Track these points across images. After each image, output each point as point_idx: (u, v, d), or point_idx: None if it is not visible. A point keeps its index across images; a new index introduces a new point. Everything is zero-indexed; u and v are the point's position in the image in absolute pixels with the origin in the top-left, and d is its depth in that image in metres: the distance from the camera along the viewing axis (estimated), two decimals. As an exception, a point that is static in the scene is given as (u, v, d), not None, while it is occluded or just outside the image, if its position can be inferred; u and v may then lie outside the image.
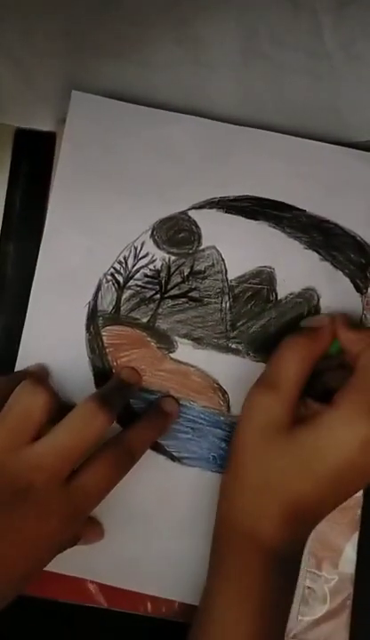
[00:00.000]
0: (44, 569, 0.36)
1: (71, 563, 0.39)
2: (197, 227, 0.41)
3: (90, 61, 0.42)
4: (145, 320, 0.41)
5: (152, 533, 0.40)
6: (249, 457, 0.36)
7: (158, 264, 0.41)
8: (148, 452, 0.40)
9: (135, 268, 0.41)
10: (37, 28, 0.42)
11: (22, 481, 0.34)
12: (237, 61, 0.42)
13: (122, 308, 0.41)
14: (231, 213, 0.41)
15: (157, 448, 0.40)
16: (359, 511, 0.40)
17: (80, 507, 0.35)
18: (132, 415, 0.40)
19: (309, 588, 0.40)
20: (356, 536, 0.40)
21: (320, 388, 0.37)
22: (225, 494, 0.37)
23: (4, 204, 0.42)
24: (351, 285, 0.41)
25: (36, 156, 0.42)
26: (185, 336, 0.41)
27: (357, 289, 0.41)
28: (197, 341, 0.41)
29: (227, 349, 0.41)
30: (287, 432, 0.35)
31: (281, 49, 0.42)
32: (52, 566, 0.39)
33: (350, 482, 0.35)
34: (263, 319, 0.41)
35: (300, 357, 0.36)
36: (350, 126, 0.42)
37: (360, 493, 0.40)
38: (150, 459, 0.40)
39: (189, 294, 0.41)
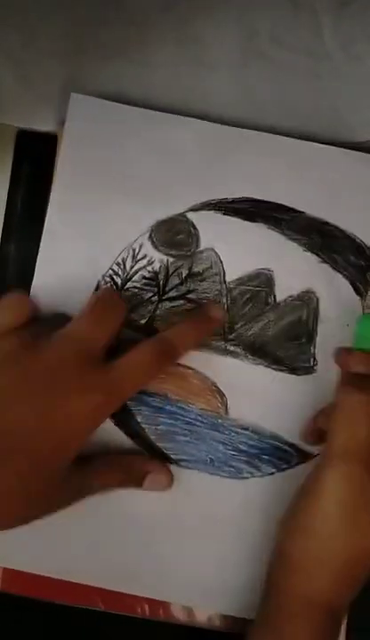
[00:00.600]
0: (43, 575, 0.37)
1: (69, 567, 0.40)
2: (195, 228, 0.41)
3: (90, 62, 0.42)
4: (143, 322, 0.41)
5: (149, 536, 0.40)
6: (336, 532, 0.35)
7: (156, 266, 0.41)
8: (146, 453, 0.40)
9: (133, 269, 0.41)
10: (38, 28, 0.42)
11: (56, 359, 0.35)
12: (237, 61, 0.42)
13: (120, 310, 0.41)
14: (229, 215, 0.41)
15: (155, 450, 0.40)
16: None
17: (118, 385, 0.36)
18: (127, 415, 0.40)
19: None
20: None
21: None
22: (295, 567, 0.35)
23: (5, 204, 0.42)
24: (351, 288, 0.41)
25: (37, 157, 0.42)
26: (183, 338, 0.41)
27: (357, 292, 0.41)
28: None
29: (225, 352, 0.41)
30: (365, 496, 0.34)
31: (281, 49, 0.41)
32: (49, 572, 0.40)
33: None
34: (262, 322, 0.41)
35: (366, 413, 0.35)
36: (350, 126, 0.42)
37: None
38: (148, 461, 0.40)
39: (187, 296, 0.41)
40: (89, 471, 0.38)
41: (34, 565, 0.40)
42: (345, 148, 0.42)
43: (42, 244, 0.41)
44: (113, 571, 0.40)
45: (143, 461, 0.40)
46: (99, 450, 0.40)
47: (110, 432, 0.40)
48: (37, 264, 0.41)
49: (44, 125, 0.42)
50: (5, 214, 0.41)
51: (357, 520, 0.34)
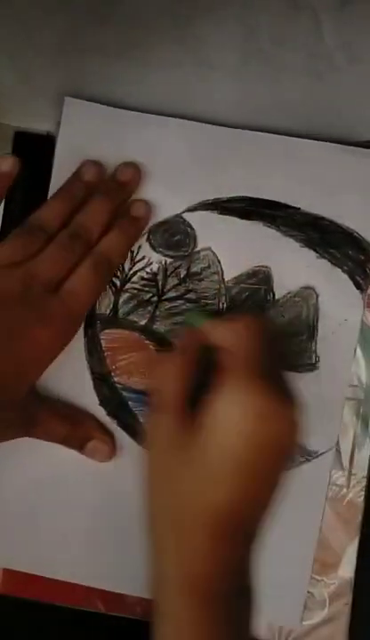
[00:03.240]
0: (42, 575, 0.38)
1: (69, 569, 0.40)
2: (191, 229, 0.41)
3: (90, 61, 0.42)
4: (143, 322, 0.41)
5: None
6: (159, 484, 0.34)
7: (155, 267, 0.41)
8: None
9: (132, 271, 0.41)
10: (37, 28, 0.43)
11: (18, 290, 0.37)
12: (237, 61, 0.42)
13: (119, 311, 0.41)
14: (225, 214, 0.41)
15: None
16: (360, 516, 0.39)
17: (74, 309, 0.38)
18: (124, 407, 0.41)
19: (308, 592, 0.39)
20: (356, 541, 0.39)
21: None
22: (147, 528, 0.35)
23: (3, 205, 0.43)
24: (351, 282, 0.41)
25: (35, 158, 0.42)
26: (183, 338, 0.41)
27: (357, 286, 0.40)
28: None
29: (225, 350, 0.41)
30: (184, 443, 0.33)
31: (281, 49, 0.41)
32: (49, 573, 0.40)
33: (263, 467, 0.33)
34: (261, 319, 0.41)
35: (173, 372, 0.35)
36: (350, 126, 0.42)
37: (361, 498, 0.39)
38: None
39: (186, 296, 0.41)
40: (41, 410, 0.39)
41: (34, 566, 0.40)
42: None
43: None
44: (114, 572, 0.40)
45: (91, 425, 0.40)
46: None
47: (113, 432, 0.41)
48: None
49: (42, 125, 0.43)
50: (3, 215, 0.42)
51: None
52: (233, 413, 0.32)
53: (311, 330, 0.41)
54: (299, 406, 0.33)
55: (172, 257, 0.41)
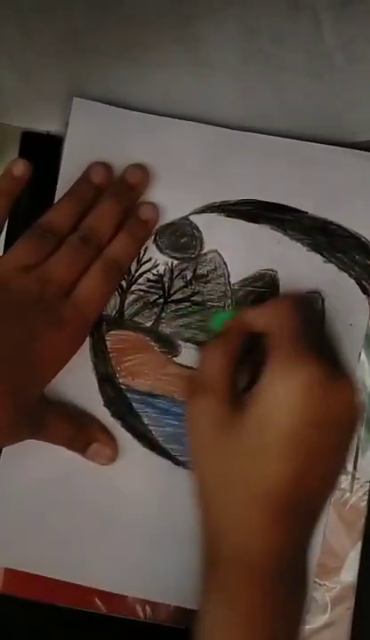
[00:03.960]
0: (44, 575, 0.38)
1: (71, 569, 0.40)
2: (198, 231, 0.41)
3: (91, 62, 0.42)
4: (149, 324, 0.41)
5: (154, 538, 0.40)
6: (209, 466, 0.35)
7: (161, 269, 0.41)
8: (152, 455, 0.41)
9: (138, 272, 0.41)
10: (38, 28, 0.43)
11: (33, 294, 0.37)
12: (237, 61, 0.42)
13: (125, 313, 0.41)
14: (232, 217, 0.41)
15: (161, 451, 0.41)
16: (363, 520, 0.39)
17: (86, 314, 0.39)
18: (129, 409, 0.41)
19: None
20: (359, 545, 0.39)
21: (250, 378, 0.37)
22: (200, 510, 0.36)
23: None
24: (357, 287, 0.41)
25: (42, 159, 0.42)
26: (189, 340, 0.41)
27: (364, 291, 0.41)
28: (201, 345, 0.41)
29: (231, 353, 0.41)
30: (233, 426, 0.34)
31: (281, 49, 0.41)
32: (51, 573, 0.40)
33: (319, 442, 0.33)
34: (267, 323, 0.41)
35: (219, 354, 0.36)
36: (350, 126, 0.42)
37: (365, 502, 0.40)
38: (154, 462, 0.41)
39: (192, 298, 0.41)
40: (47, 412, 0.39)
41: (35, 566, 0.40)
42: (345, 147, 0.41)
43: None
44: (115, 573, 0.40)
45: (94, 428, 0.40)
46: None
47: (117, 433, 0.41)
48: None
49: (48, 126, 0.43)
50: (10, 216, 0.42)
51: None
52: (283, 387, 0.32)
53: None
54: (354, 382, 0.33)
55: (178, 259, 0.41)
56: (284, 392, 0.32)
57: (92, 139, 0.42)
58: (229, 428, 0.34)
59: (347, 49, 0.41)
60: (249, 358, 0.37)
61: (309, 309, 0.38)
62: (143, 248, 0.41)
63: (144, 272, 0.41)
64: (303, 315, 0.35)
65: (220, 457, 0.34)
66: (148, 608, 0.40)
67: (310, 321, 0.35)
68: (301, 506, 0.33)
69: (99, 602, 0.40)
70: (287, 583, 0.34)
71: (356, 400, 0.33)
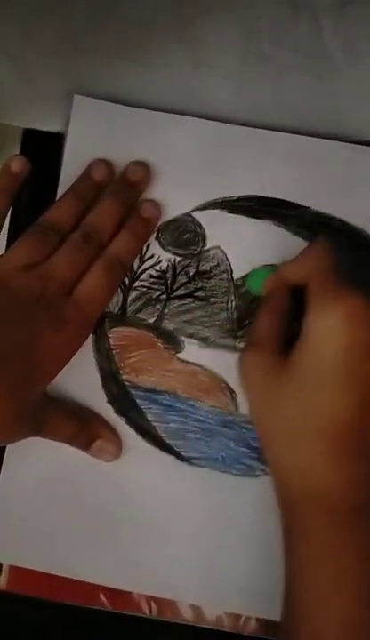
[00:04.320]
0: (49, 572, 0.38)
1: (76, 566, 0.40)
2: (201, 227, 0.41)
3: (91, 61, 0.43)
4: (151, 320, 0.41)
5: (159, 534, 0.40)
6: (269, 417, 0.36)
7: (164, 265, 0.42)
8: (156, 451, 0.40)
9: (141, 269, 0.42)
10: (38, 28, 0.43)
11: (35, 293, 0.37)
12: (237, 61, 0.42)
13: (128, 309, 0.41)
14: (235, 213, 0.41)
15: (165, 448, 0.41)
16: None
17: (88, 312, 0.39)
18: (133, 405, 0.41)
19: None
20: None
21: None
22: (268, 464, 0.37)
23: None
24: (359, 282, 0.41)
25: (43, 157, 0.42)
26: (192, 336, 0.41)
27: (365, 286, 0.41)
28: (204, 341, 0.41)
29: (234, 348, 0.41)
30: (287, 370, 0.35)
31: (281, 49, 0.42)
32: (56, 570, 0.40)
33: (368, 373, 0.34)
34: (270, 318, 0.41)
35: (266, 313, 0.38)
36: (350, 126, 0.42)
37: None
38: (158, 458, 0.40)
39: (196, 294, 0.41)
40: (50, 409, 0.39)
41: (40, 564, 0.40)
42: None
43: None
44: (120, 569, 0.40)
45: (97, 425, 0.40)
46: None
47: (120, 430, 0.41)
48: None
49: (49, 125, 0.43)
50: (12, 214, 0.42)
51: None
52: (326, 321, 0.33)
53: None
54: None
55: (181, 255, 0.42)
56: (327, 325, 0.33)
57: (93, 136, 0.42)
58: (283, 373, 0.35)
59: (347, 49, 0.42)
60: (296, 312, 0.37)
61: (343, 250, 0.38)
62: (146, 245, 0.42)
63: (147, 268, 0.42)
64: (338, 255, 0.36)
65: (278, 403, 0.35)
66: (153, 604, 0.40)
67: (345, 260, 0.36)
68: (366, 438, 0.34)
69: (104, 598, 0.40)
70: (366, 516, 0.34)
71: None
